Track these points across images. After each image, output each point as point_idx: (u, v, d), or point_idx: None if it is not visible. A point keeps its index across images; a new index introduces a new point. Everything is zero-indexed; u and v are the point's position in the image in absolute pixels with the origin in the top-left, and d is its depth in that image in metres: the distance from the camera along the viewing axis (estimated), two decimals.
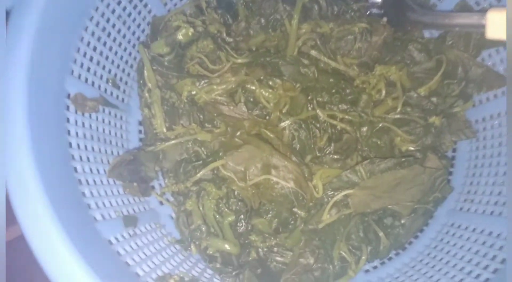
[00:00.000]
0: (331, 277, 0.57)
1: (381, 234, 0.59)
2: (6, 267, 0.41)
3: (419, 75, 0.64)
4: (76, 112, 0.52)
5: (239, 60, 0.60)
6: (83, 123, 0.54)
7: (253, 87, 0.59)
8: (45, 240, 0.41)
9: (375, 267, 0.63)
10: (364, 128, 0.60)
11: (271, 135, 0.58)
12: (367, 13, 0.67)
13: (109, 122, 0.59)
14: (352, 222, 0.58)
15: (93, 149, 0.54)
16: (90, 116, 0.55)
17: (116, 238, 0.51)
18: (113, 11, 0.58)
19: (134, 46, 0.63)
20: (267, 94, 0.59)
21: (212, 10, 0.65)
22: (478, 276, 0.52)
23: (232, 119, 0.59)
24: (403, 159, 0.58)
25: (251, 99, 0.60)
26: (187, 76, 0.60)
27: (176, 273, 0.55)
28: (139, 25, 0.63)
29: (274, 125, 0.59)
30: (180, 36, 0.61)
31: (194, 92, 0.59)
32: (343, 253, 0.57)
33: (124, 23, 0.60)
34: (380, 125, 0.61)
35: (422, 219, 0.61)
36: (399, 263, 0.62)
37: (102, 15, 0.56)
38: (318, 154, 0.59)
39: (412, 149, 0.61)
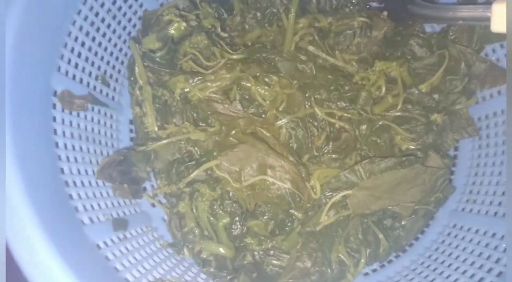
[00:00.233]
0: (329, 281, 0.56)
1: (380, 236, 0.57)
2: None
3: (420, 71, 0.63)
4: (63, 110, 0.51)
5: (234, 56, 0.59)
6: (71, 122, 0.52)
7: (249, 84, 0.58)
8: (27, 245, 0.39)
9: (374, 270, 0.62)
10: (364, 127, 0.59)
11: (267, 134, 0.56)
12: (367, 7, 0.65)
13: (98, 121, 0.57)
14: (351, 224, 0.56)
15: (81, 148, 0.53)
16: (78, 114, 0.53)
17: (105, 242, 0.49)
18: (102, 5, 0.56)
19: (124, 41, 0.61)
20: (263, 91, 0.58)
21: (206, 4, 0.63)
22: (481, 279, 0.50)
23: (227, 117, 0.57)
24: (404, 158, 0.57)
25: (247, 97, 0.58)
26: (180, 73, 0.58)
27: (168, 278, 0.53)
28: (130, 20, 0.61)
29: (270, 123, 0.57)
30: (172, 31, 0.59)
31: (187, 90, 0.58)
32: (342, 256, 0.56)
33: (114, 17, 0.58)
34: (380, 123, 0.59)
35: (423, 220, 0.60)
36: (399, 266, 0.60)
37: (91, 8, 0.54)
38: (316, 153, 0.58)
39: (413, 147, 0.60)
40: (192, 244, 0.55)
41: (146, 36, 0.60)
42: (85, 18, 0.53)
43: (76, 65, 0.53)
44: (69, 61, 0.52)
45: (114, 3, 0.58)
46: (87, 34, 0.54)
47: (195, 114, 0.59)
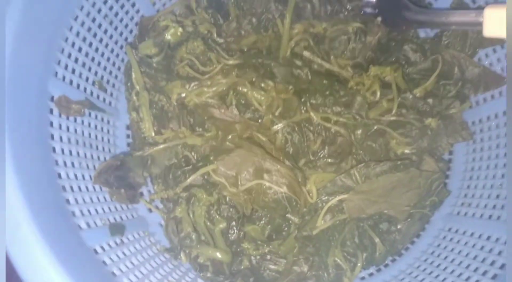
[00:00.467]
0: None
1: (377, 240, 0.57)
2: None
3: (414, 76, 0.63)
4: (60, 115, 0.51)
5: (230, 62, 0.59)
6: (68, 128, 0.52)
7: (245, 90, 0.58)
8: (24, 249, 0.39)
9: (371, 274, 0.62)
10: (359, 131, 0.59)
11: (264, 139, 0.57)
12: (361, 13, 0.65)
13: (95, 126, 0.57)
14: (347, 228, 0.57)
15: (78, 154, 0.53)
16: (75, 120, 0.53)
17: (102, 247, 0.49)
18: (99, 11, 0.56)
19: (121, 47, 0.62)
20: (259, 96, 0.58)
21: (202, 10, 0.64)
22: None
23: (223, 122, 0.58)
24: (399, 162, 0.57)
25: (243, 102, 0.58)
26: (177, 78, 0.59)
27: None
28: (126, 26, 0.62)
29: (266, 128, 0.57)
30: (168, 36, 0.59)
31: (184, 95, 0.58)
32: (338, 260, 0.56)
33: (110, 23, 0.59)
34: (375, 128, 0.59)
35: (418, 223, 0.60)
36: (395, 269, 0.60)
37: (88, 14, 0.54)
38: (312, 158, 0.58)
39: (407, 151, 0.60)
40: (189, 249, 0.55)
41: (143, 41, 0.60)
42: (82, 24, 0.54)
43: (73, 71, 0.53)
44: (66, 66, 0.52)
45: (111, 8, 0.58)
46: (84, 39, 0.54)
47: (191, 120, 0.59)
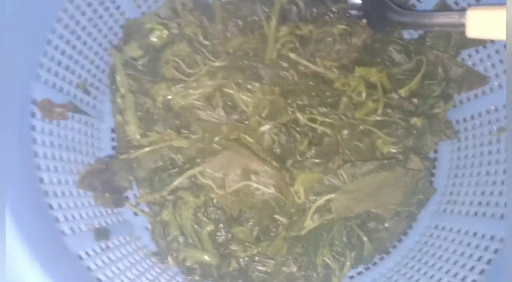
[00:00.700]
0: None
1: (364, 238, 0.57)
2: None
3: (399, 77, 0.64)
4: (43, 119, 0.50)
5: (217, 64, 0.59)
6: (51, 131, 0.51)
7: (231, 91, 0.58)
8: (5, 256, 0.38)
9: (359, 273, 0.62)
10: (345, 131, 0.59)
11: (251, 140, 0.56)
12: (347, 15, 0.66)
13: (80, 129, 0.57)
14: (335, 227, 0.57)
15: (61, 158, 0.52)
16: (58, 123, 0.52)
17: (87, 253, 0.48)
18: (83, 13, 0.55)
19: (106, 50, 0.61)
20: (245, 98, 0.58)
21: (188, 12, 0.63)
22: (464, 278, 0.51)
23: (210, 124, 0.57)
24: (385, 161, 0.57)
25: (229, 104, 0.58)
26: (162, 81, 0.58)
27: None
28: (111, 28, 0.61)
29: (253, 129, 0.57)
30: (154, 39, 0.59)
31: (169, 97, 0.58)
32: (327, 260, 0.56)
33: (95, 25, 0.58)
34: (361, 128, 0.59)
35: (405, 222, 0.60)
36: (383, 267, 0.61)
37: (71, 17, 0.53)
38: (299, 158, 0.58)
39: (394, 151, 0.60)
40: (176, 252, 0.55)
41: (128, 44, 0.60)
42: (66, 27, 0.53)
43: (56, 74, 0.52)
44: (49, 69, 0.51)
45: (95, 11, 0.57)
46: (68, 42, 0.54)
47: (177, 122, 0.58)
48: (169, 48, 0.59)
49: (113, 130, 0.62)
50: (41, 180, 0.47)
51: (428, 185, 0.60)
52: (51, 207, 0.47)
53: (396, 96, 0.62)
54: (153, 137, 0.57)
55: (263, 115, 0.57)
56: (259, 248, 0.56)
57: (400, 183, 0.56)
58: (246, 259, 0.56)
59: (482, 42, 0.60)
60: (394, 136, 0.60)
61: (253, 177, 0.54)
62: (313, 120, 0.58)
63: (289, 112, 0.58)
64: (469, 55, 0.63)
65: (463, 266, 0.52)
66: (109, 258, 0.51)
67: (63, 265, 0.44)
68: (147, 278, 0.54)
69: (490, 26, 0.49)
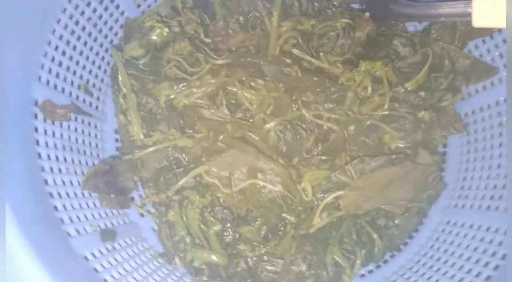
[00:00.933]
0: None
1: (375, 236, 0.56)
2: None
3: (405, 70, 0.63)
4: (45, 121, 0.49)
5: (219, 62, 0.58)
6: (54, 133, 0.50)
7: (235, 89, 0.57)
8: (11, 259, 0.37)
9: (370, 271, 0.61)
10: (352, 127, 0.58)
11: (256, 138, 0.56)
12: (349, 8, 0.65)
13: (82, 131, 0.56)
14: (344, 225, 0.56)
15: (65, 159, 0.51)
16: (61, 125, 0.52)
17: (93, 254, 0.48)
18: (82, 13, 0.55)
19: (107, 50, 0.60)
20: (249, 95, 0.57)
21: (189, 10, 0.63)
22: (478, 274, 0.49)
23: (214, 123, 0.57)
24: (394, 156, 0.56)
25: (233, 102, 0.58)
26: (165, 80, 0.58)
27: None
28: (111, 28, 0.60)
29: (258, 127, 0.56)
30: (154, 37, 0.58)
31: (172, 97, 0.57)
32: (337, 258, 0.55)
33: (94, 25, 0.57)
34: (368, 123, 0.59)
35: (416, 218, 0.59)
36: (395, 265, 0.60)
37: (70, 17, 0.53)
38: (306, 156, 0.57)
39: (402, 146, 0.59)
40: (183, 253, 0.54)
41: (128, 43, 0.59)
42: (65, 27, 0.52)
43: (58, 75, 0.52)
44: (50, 70, 0.50)
45: (94, 11, 0.57)
46: (68, 43, 0.53)
47: (181, 121, 0.58)
48: (171, 47, 0.59)
49: (116, 131, 0.61)
50: (46, 182, 0.47)
51: (439, 179, 0.59)
52: (56, 208, 0.46)
53: (402, 90, 0.60)
54: (157, 137, 0.56)
55: (268, 112, 0.57)
56: (267, 247, 0.55)
57: (410, 178, 0.55)
58: (255, 258, 0.56)
59: (488, 32, 0.59)
60: (402, 130, 0.59)
61: (259, 175, 0.53)
62: (319, 116, 0.57)
63: (294, 109, 0.57)
64: (476, 46, 0.62)
65: (477, 262, 0.51)
66: (115, 259, 0.51)
67: (69, 266, 0.43)
68: (154, 279, 0.53)
69: (497, 15, 0.48)
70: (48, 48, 0.50)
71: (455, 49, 0.62)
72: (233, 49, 0.62)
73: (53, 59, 0.51)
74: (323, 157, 0.57)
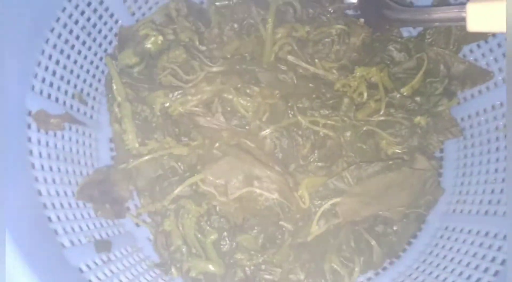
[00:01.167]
0: None
1: (373, 242, 0.56)
2: None
3: (400, 76, 0.63)
4: (38, 130, 0.49)
5: (214, 69, 0.58)
6: (47, 142, 0.50)
7: (230, 96, 0.57)
8: (4, 271, 0.37)
9: (369, 279, 0.60)
10: (348, 133, 0.58)
11: (252, 145, 0.56)
12: (344, 15, 0.65)
13: (77, 140, 0.56)
14: (342, 232, 0.55)
15: (59, 169, 0.51)
16: (54, 134, 0.51)
17: (88, 265, 0.47)
18: (76, 22, 0.54)
19: (101, 59, 0.60)
20: (245, 102, 0.57)
21: (183, 18, 0.62)
22: (478, 280, 0.49)
23: (209, 130, 0.57)
24: (391, 162, 0.56)
25: (229, 109, 0.57)
26: (159, 88, 0.57)
27: None
28: (105, 37, 0.60)
29: (254, 134, 0.56)
30: (149, 45, 0.58)
31: (167, 105, 0.57)
32: (335, 266, 0.54)
33: (89, 34, 0.57)
34: (364, 129, 0.59)
35: (414, 224, 0.59)
36: (394, 272, 0.59)
37: (64, 26, 0.53)
38: (302, 162, 0.57)
39: (398, 151, 0.59)
40: (180, 263, 0.53)
41: (123, 51, 0.59)
42: (59, 36, 0.52)
43: (51, 84, 0.51)
44: (44, 80, 0.50)
45: (88, 20, 0.56)
46: (62, 52, 0.53)
47: (176, 129, 0.57)
48: (165, 54, 0.59)
49: (111, 140, 0.61)
50: (39, 192, 0.46)
51: (436, 185, 0.58)
52: (50, 219, 0.46)
53: (398, 95, 0.61)
54: (152, 146, 0.56)
55: (264, 119, 0.56)
56: (265, 256, 0.55)
57: (407, 183, 0.55)
58: (252, 267, 0.55)
59: (483, 36, 0.59)
60: (398, 136, 0.59)
61: (255, 183, 0.53)
62: (315, 123, 0.57)
63: (290, 115, 0.57)
64: (471, 51, 0.62)
65: (476, 267, 0.50)
66: (111, 270, 0.50)
67: (63, 278, 0.43)
68: None
69: (491, 19, 0.48)
70: (42, 57, 0.50)
71: (450, 54, 0.62)
72: (228, 56, 0.61)
73: (46, 69, 0.50)
74: (320, 164, 0.56)
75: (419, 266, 0.57)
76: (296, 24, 0.62)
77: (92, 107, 0.60)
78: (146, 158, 0.55)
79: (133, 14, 0.63)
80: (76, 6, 0.54)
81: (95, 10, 0.57)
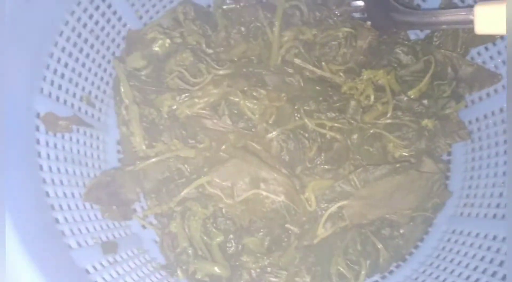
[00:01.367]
0: None
1: (380, 245, 0.56)
2: None
3: (407, 78, 0.63)
4: (47, 132, 0.49)
5: (221, 72, 0.58)
6: (55, 144, 0.50)
7: (237, 99, 0.57)
8: (12, 272, 0.37)
9: None
10: (355, 136, 0.58)
11: (258, 148, 0.56)
12: (350, 18, 0.65)
13: (84, 142, 0.56)
14: (349, 235, 0.55)
15: (67, 171, 0.51)
16: (62, 136, 0.52)
17: (94, 267, 0.47)
18: (85, 25, 0.55)
19: (109, 62, 0.60)
20: (251, 105, 0.57)
21: (190, 22, 0.63)
22: None
23: (216, 133, 0.57)
24: (398, 165, 0.56)
25: (236, 112, 0.58)
26: (167, 91, 0.58)
27: None
28: (113, 40, 0.61)
29: (261, 137, 0.56)
30: (156, 48, 0.59)
31: (174, 107, 0.57)
32: (341, 269, 0.54)
33: (97, 37, 0.58)
34: (371, 131, 0.58)
35: (421, 227, 0.59)
36: (400, 276, 0.59)
37: (73, 29, 0.53)
38: (309, 165, 0.57)
39: (406, 154, 0.59)
40: (186, 264, 0.53)
41: (131, 55, 0.59)
42: (68, 39, 0.52)
43: (60, 87, 0.52)
44: (52, 82, 0.51)
45: (97, 23, 0.57)
46: (70, 55, 0.53)
47: (183, 132, 0.58)
48: (173, 58, 0.59)
49: (118, 142, 0.61)
50: (47, 194, 0.47)
51: (444, 188, 0.58)
52: (57, 221, 0.46)
53: (405, 98, 0.60)
54: (159, 148, 0.56)
55: (270, 122, 0.56)
56: (271, 258, 0.55)
57: (415, 186, 0.55)
58: (258, 270, 0.55)
59: (491, 39, 0.59)
60: (406, 139, 0.59)
61: (262, 185, 0.53)
62: (322, 125, 0.57)
63: (297, 118, 0.57)
64: (479, 53, 0.61)
65: (484, 271, 0.50)
66: (117, 272, 0.50)
67: (70, 279, 0.43)
68: None
69: (499, 21, 0.48)
70: (51, 61, 0.50)
71: (458, 56, 0.62)
72: (235, 59, 0.62)
73: (55, 72, 0.51)
74: (326, 166, 0.56)
75: (426, 269, 0.57)
76: (303, 27, 0.62)
77: (100, 110, 0.60)
78: (153, 160, 0.55)
79: (141, 17, 0.64)
80: (85, 10, 0.54)
81: (103, 14, 0.58)
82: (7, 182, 0.40)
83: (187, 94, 0.57)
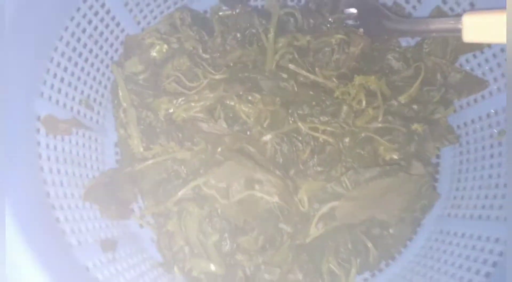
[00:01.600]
0: None
1: (370, 244, 0.57)
2: None
3: (398, 84, 0.64)
4: (47, 135, 0.50)
5: (217, 76, 0.60)
6: (55, 147, 0.52)
7: (233, 103, 0.58)
8: (15, 270, 0.38)
9: (365, 280, 0.62)
10: (347, 139, 0.59)
11: (253, 150, 0.57)
12: (344, 25, 0.67)
13: (83, 144, 0.57)
14: (340, 235, 0.57)
15: (67, 172, 0.52)
16: (62, 139, 0.53)
17: (94, 264, 0.49)
18: (84, 31, 0.56)
19: (107, 66, 0.62)
20: (247, 109, 0.58)
21: (187, 27, 0.64)
22: (470, 281, 0.50)
23: (212, 136, 0.58)
24: (388, 168, 0.57)
25: (231, 115, 0.59)
26: (164, 95, 0.59)
27: None
28: (112, 45, 0.62)
29: (255, 140, 0.58)
30: (154, 53, 0.60)
31: (171, 111, 0.58)
32: (332, 267, 0.56)
33: (96, 42, 0.59)
34: (363, 135, 0.60)
35: (410, 227, 0.60)
36: (390, 273, 0.61)
37: (72, 34, 0.54)
38: (302, 167, 0.58)
39: (396, 157, 0.60)
40: (182, 262, 0.55)
41: (129, 59, 0.60)
42: (67, 44, 0.54)
43: (59, 90, 0.53)
44: (52, 86, 0.52)
45: (96, 29, 0.58)
46: (70, 59, 0.54)
47: (180, 134, 0.59)
48: (170, 62, 0.60)
49: (116, 144, 0.63)
50: (48, 194, 0.48)
51: (432, 190, 0.60)
52: (58, 220, 0.47)
53: (396, 103, 0.62)
54: (156, 150, 0.57)
55: (265, 125, 0.58)
56: (264, 256, 0.56)
57: (404, 188, 0.56)
58: (252, 268, 0.56)
59: (479, 47, 0.60)
60: (396, 142, 0.60)
61: (256, 186, 0.54)
62: (315, 129, 0.58)
63: (290, 122, 0.59)
64: (467, 60, 0.63)
65: (468, 269, 0.51)
66: (116, 268, 0.51)
67: (71, 276, 0.44)
68: None
69: (486, 30, 0.50)
70: (51, 65, 0.51)
71: (447, 63, 0.63)
72: (231, 64, 0.63)
73: (55, 76, 0.52)
74: (319, 168, 0.58)
75: (414, 267, 0.58)
76: (297, 34, 0.63)
77: (99, 113, 0.61)
78: (151, 162, 0.57)
79: (139, 23, 0.65)
80: (84, 15, 0.56)
81: (102, 19, 0.59)
82: (9, 183, 0.41)
83: (183, 98, 0.58)
